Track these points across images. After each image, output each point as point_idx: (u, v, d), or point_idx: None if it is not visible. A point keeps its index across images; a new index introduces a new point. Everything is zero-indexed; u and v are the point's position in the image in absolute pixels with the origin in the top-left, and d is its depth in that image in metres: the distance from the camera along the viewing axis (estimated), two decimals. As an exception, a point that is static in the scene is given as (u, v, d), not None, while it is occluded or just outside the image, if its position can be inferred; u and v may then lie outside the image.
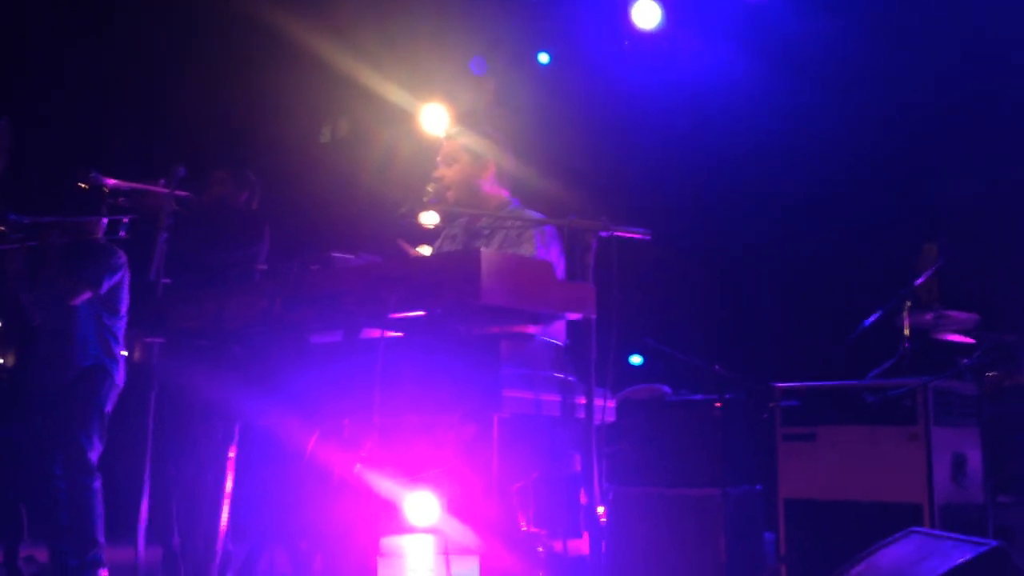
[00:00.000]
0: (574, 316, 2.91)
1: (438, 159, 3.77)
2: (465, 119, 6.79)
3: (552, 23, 6.72)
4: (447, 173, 3.72)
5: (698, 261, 6.29)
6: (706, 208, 6.37)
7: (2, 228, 4.48)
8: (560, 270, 3.42)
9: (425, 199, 3.55)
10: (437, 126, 6.86)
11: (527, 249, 3.51)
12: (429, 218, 3.79)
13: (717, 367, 4.95)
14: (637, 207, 6.16)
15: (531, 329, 3.08)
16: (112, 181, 4.15)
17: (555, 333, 3.33)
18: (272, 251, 4.54)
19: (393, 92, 6.80)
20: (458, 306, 2.67)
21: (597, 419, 3.03)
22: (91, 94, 6.53)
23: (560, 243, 3.55)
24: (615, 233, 3.01)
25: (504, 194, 3.80)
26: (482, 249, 2.62)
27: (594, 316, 2.89)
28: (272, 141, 6.84)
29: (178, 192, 3.86)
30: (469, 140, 3.81)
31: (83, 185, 4.05)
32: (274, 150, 6.80)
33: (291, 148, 6.99)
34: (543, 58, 6.77)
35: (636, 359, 6.87)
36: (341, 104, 7.14)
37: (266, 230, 4.66)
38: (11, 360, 6.50)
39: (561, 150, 6.57)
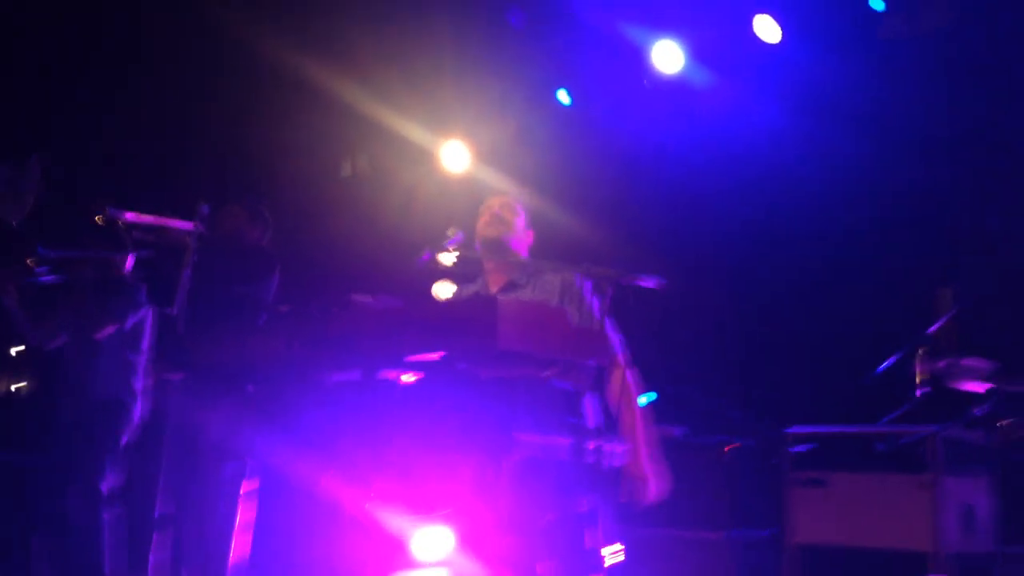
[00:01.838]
0: (587, 362, 2.99)
1: (494, 203, 3.77)
2: (487, 156, 6.88)
3: (573, 62, 6.82)
4: (499, 234, 3.70)
5: (712, 304, 6.31)
6: (720, 250, 6.41)
7: (30, 261, 4.57)
8: (608, 321, 3.47)
9: (445, 242, 3.63)
10: (458, 164, 6.95)
11: (576, 297, 3.57)
12: (447, 258, 3.87)
13: (728, 410, 4.99)
14: (653, 248, 6.25)
15: (545, 374, 3.16)
16: (131, 216, 4.18)
17: (569, 378, 3.39)
18: (292, 290, 4.60)
19: (413, 130, 6.89)
20: (475, 350, 2.76)
21: (608, 463, 3.10)
22: (113, 130, 6.65)
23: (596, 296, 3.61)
24: (631, 280, 3.08)
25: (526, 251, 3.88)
26: (499, 296, 2.71)
27: (608, 363, 2.97)
28: (292, 178, 6.94)
29: (189, 227, 3.94)
30: (520, 201, 3.82)
31: (99, 219, 4.10)
32: (294, 187, 6.89)
33: (311, 184, 7.07)
34: (564, 98, 6.86)
35: (643, 400, 6.87)
36: (361, 141, 7.23)
37: (276, 267, 4.70)
38: (28, 386, 6.60)
39: (580, 191, 6.64)
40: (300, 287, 4.66)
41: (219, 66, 6.66)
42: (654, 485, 3.43)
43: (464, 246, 3.64)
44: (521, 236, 3.80)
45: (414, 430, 3.03)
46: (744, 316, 6.31)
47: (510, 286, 3.73)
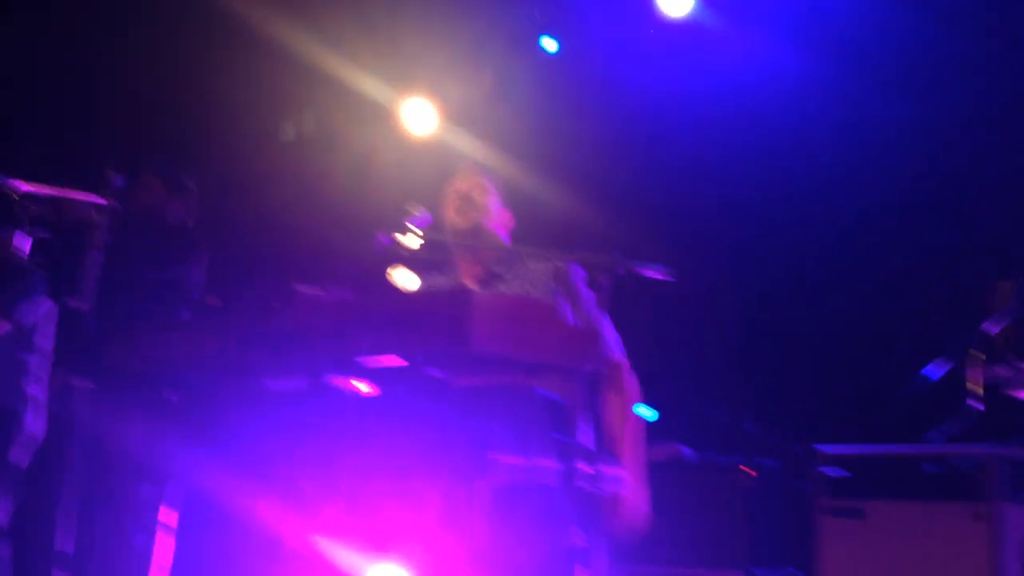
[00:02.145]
0: (578, 366, 2.99)
1: (463, 184, 3.81)
2: (458, 117, 6.86)
3: (562, 4, 6.81)
4: (471, 220, 3.76)
5: (726, 298, 6.35)
6: (736, 232, 6.43)
7: None
8: (603, 318, 3.49)
9: (407, 221, 3.61)
10: (422, 125, 6.93)
11: (572, 290, 3.60)
12: (410, 241, 3.86)
13: (747, 424, 5.01)
14: (656, 230, 6.25)
15: (529, 382, 3.15)
16: (26, 187, 4.14)
17: (557, 386, 3.39)
18: (223, 279, 4.58)
19: (369, 84, 6.86)
20: (444, 353, 2.75)
21: (605, 489, 3.10)
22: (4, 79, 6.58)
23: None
24: (631, 270, 3.09)
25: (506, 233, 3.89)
26: (474, 289, 2.69)
27: (603, 368, 2.97)
28: (223, 142, 6.90)
29: (98, 200, 3.91)
30: (495, 184, 3.86)
31: None
32: (226, 153, 6.85)
33: (246, 150, 7.03)
34: (550, 45, 6.84)
35: (646, 412, 6.88)
36: (307, 97, 7.20)
37: (203, 250, 4.67)
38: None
39: (570, 159, 6.64)
40: (233, 275, 4.62)
41: (133, 3, 6.60)
42: (644, 513, 3.45)
43: (432, 226, 3.63)
44: (498, 218, 3.80)
45: (370, 448, 3.02)
46: (764, 312, 6.33)
47: (489, 278, 3.72)
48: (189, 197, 4.82)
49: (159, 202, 4.72)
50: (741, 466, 4.78)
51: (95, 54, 6.65)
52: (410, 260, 3.81)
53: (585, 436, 3.35)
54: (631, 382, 3.61)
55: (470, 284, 3.79)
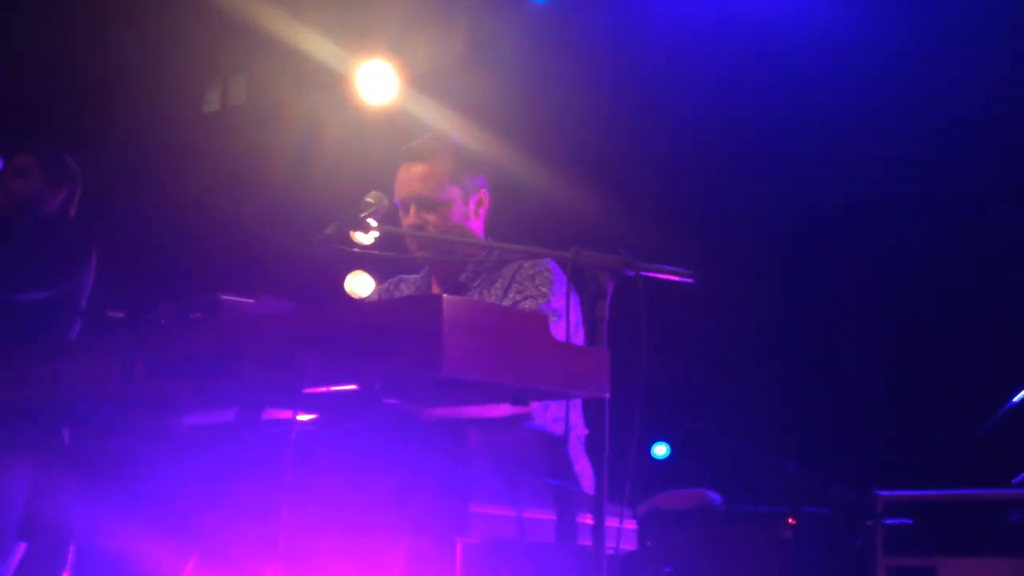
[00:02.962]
0: (578, 394, 2.98)
1: (404, 196, 3.84)
2: (424, 84, 6.86)
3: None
4: (430, 221, 3.79)
5: (763, 309, 6.37)
6: (774, 226, 6.46)
7: None
8: (579, 331, 3.49)
9: (363, 212, 3.62)
10: (380, 92, 6.92)
11: (535, 300, 3.61)
12: (366, 237, 3.87)
13: (790, 465, 5.03)
14: (675, 223, 6.26)
15: (515, 413, 3.14)
16: None
17: (550, 418, 3.39)
18: (129, 287, 4.57)
19: (315, 43, 6.86)
20: (408, 377, 2.75)
21: (611, 545, 3.10)
22: None
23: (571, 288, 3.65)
24: (642, 273, 3.09)
25: (482, 231, 3.90)
26: (444, 296, 2.69)
27: (607, 394, 2.97)
28: (127, 113, 6.89)
29: None
30: (456, 157, 3.88)
31: None
32: (131, 127, 6.84)
33: (157, 123, 7.03)
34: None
35: (661, 450, 6.91)
36: (237, 59, 7.19)
37: (92, 251, 4.65)
38: None
39: (564, 134, 6.64)
40: (141, 280, 4.61)
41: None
42: None
43: (391, 217, 3.63)
44: (470, 219, 3.80)
45: (317, 499, 3.00)
46: (811, 328, 6.35)
47: (455, 290, 3.74)
48: (71, 183, 4.81)
49: (35, 190, 4.70)
50: (783, 515, 4.78)
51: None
52: (365, 261, 3.81)
53: (586, 480, 3.36)
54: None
55: (436, 292, 3.80)
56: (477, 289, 3.77)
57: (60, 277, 4.50)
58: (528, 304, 3.61)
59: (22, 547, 4.24)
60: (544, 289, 3.65)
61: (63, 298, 4.47)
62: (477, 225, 3.89)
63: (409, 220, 3.82)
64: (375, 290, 4.12)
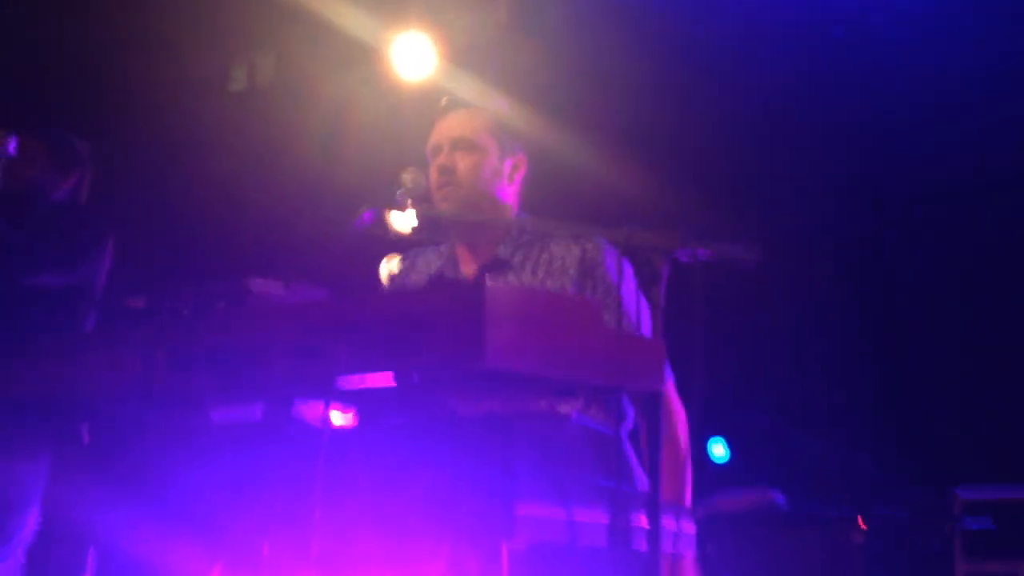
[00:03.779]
0: (632, 388, 2.96)
1: (440, 139, 3.82)
2: (464, 57, 6.85)
3: None
4: (460, 165, 3.76)
5: (831, 293, 6.34)
6: (846, 208, 6.42)
7: None
8: (646, 321, 3.47)
9: (399, 192, 3.61)
10: (417, 67, 6.93)
11: (601, 284, 3.58)
12: (402, 221, 3.86)
13: (862, 463, 4.99)
14: (737, 202, 6.23)
15: (564, 408, 3.11)
16: None
17: (602, 414, 3.37)
18: (149, 275, 4.59)
19: (347, 16, 6.86)
20: (449, 370, 2.72)
21: (668, 549, 3.08)
22: None
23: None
24: (700, 254, 3.06)
25: (517, 204, 3.87)
26: (487, 283, 2.66)
27: (663, 388, 2.95)
28: (151, 89, 6.92)
29: None
30: (496, 116, 3.86)
31: None
32: (153, 107, 6.86)
33: (180, 100, 7.06)
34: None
35: (719, 450, 6.89)
36: (264, 36, 7.21)
37: (106, 237, 4.69)
38: None
39: (617, 110, 6.62)
40: (164, 267, 4.62)
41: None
42: None
43: (429, 200, 3.62)
44: (503, 181, 3.77)
45: (352, 501, 3.00)
46: (882, 314, 6.32)
47: (493, 264, 3.70)
48: (80, 168, 4.85)
49: (47, 179, 4.74)
50: (853, 518, 4.76)
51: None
52: (399, 246, 3.80)
53: (640, 479, 3.33)
54: (678, 408, 3.58)
55: (468, 272, 3.78)
56: (520, 267, 3.72)
57: (71, 262, 4.54)
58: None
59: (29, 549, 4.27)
60: (603, 279, 3.62)
61: (77, 286, 4.50)
62: (511, 192, 3.87)
63: (439, 161, 3.79)
64: (395, 264, 4.04)
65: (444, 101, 3.93)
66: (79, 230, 4.68)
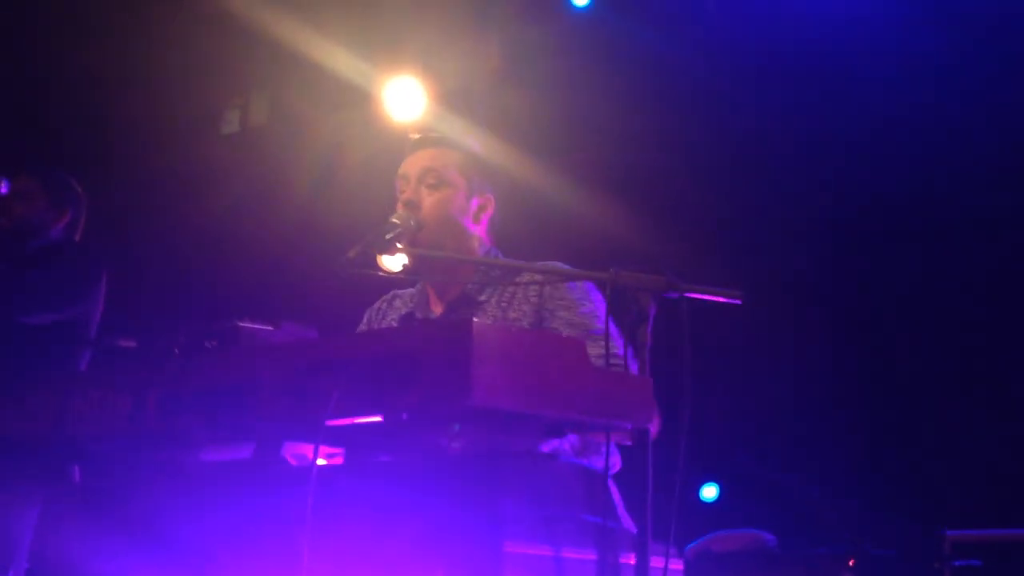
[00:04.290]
0: (620, 425, 2.97)
1: (408, 170, 3.84)
2: (455, 101, 6.86)
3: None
4: (426, 200, 3.78)
5: (817, 334, 6.34)
6: (829, 249, 6.43)
7: None
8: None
9: (389, 235, 3.62)
10: (408, 109, 6.95)
11: (560, 322, 3.58)
12: (394, 262, 3.88)
13: (850, 503, 4.99)
14: (722, 243, 6.23)
15: (552, 446, 3.11)
16: None
17: (588, 451, 3.37)
18: (140, 315, 4.59)
19: (340, 59, 6.88)
20: (437, 408, 2.73)
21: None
22: None
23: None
24: (686, 295, 3.07)
25: (488, 241, 3.87)
26: (474, 320, 2.68)
27: (652, 426, 2.95)
28: (146, 130, 6.92)
29: None
30: (467, 154, 3.88)
31: None
32: (144, 147, 6.87)
33: (173, 142, 7.06)
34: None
35: (710, 491, 6.92)
36: (257, 76, 7.22)
37: (100, 275, 4.69)
38: None
39: (606, 152, 6.64)
40: (155, 307, 4.61)
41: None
42: None
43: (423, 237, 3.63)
44: (468, 219, 3.78)
45: (341, 540, 3.00)
46: (868, 354, 6.32)
47: (461, 302, 3.71)
48: (75, 205, 4.86)
49: (41, 216, 4.75)
50: (843, 557, 4.75)
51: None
52: (392, 286, 3.81)
53: (625, 517, 3.33)
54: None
55: (436, 311, 3.78)
56: (486, 303, 3.73)
57: (65, 299, 4.53)
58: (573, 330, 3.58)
59: None
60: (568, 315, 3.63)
61: (70, 323, 4.50)
62: (477, 230, 3.86)
63: (405, 195, 3.79)
64: (369, 311, 4.05)
65: (416, 136, 3.94)
66: (74, 267, 4.68)
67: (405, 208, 3.75)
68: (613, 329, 3.24)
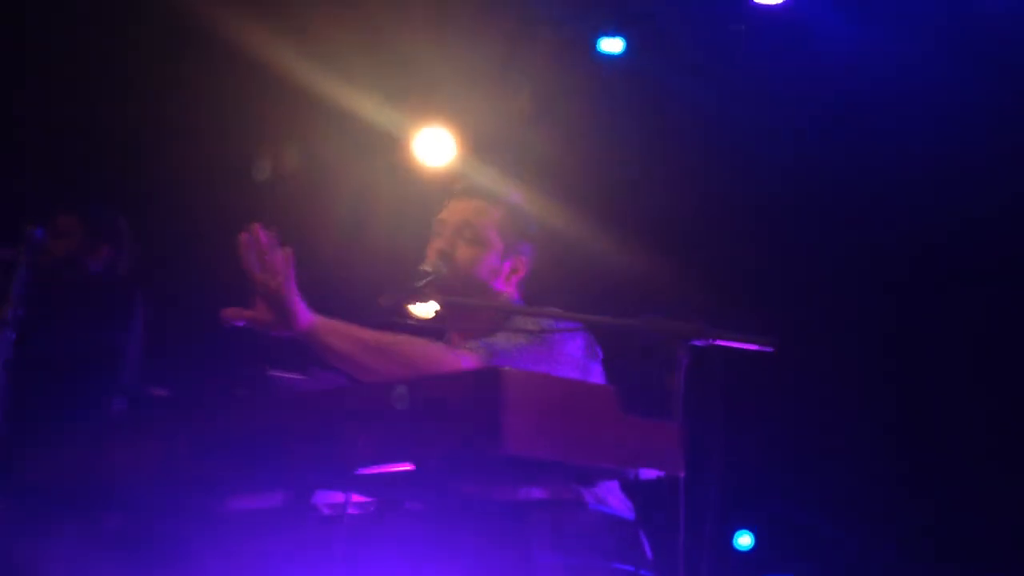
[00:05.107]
0: (650, 474, 2.95)
1: (448, 217, 3.83)
2: (485, 148, 6.87)
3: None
4: (460, 253, 3.76)
5: (856, 382, 6.30)
6: (864, 295, 6.40)
7: None
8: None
9: (421, 283, 3.62)
10: (438, 156, 6.97)
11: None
12: (424, 309, 3.88)
13: (886, 550, 4.96)
14: (755, 289, 6.21)
15: (581, 494, 3.10)
16: None
17: (619, 500, 3.35)
18: (172, 363, 4.59)
19: (370, 107, 6.90)
20: (467, 456, 2.73)
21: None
22: None
23: (599, 360, 3.61)
24: (715, 341, 3.06)
25: (517, 297, 3.85)
26: (505, 368, 2.67)
27: (682, 473, 2.93)
28: (181, 178, 6.94)
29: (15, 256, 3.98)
30: (508, 213, 3.86)
31: None
32: (177, 195, 6.89)
33: (207, 189, 7.08)
34: (612, 46, 6.87)
35: (745, 540, 6.88)
36: (289, 125, 7.25)
37: (138, 309, 4.71)
38: None
39: (636, 198, 6.63)
40: (187, 354, 4.61)
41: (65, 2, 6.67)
42: None
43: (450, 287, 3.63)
44: (499, 279, 3.77)
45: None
46: (907, 400, 6.28)
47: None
48: (118, 241, 4.88)
49: (80, 249, 4.77)
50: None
51: (12, 58, 6.69)
52: (420, 333, 3.81)
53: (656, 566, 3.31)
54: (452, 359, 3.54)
55: None
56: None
57: (96, 331, 4.54)
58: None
59: None
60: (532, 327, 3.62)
61: (103, 356, 4.49)
62: (507, 288, 3.81)
63: (439, 244, 3.77)
64: None
65: (460, 185, 3.93)
66: (107, 298, 4.69)
67: (437, 256, 3.74)
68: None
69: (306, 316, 3.44)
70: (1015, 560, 5.41)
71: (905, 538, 5.81)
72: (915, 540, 5.81)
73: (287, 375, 3.12)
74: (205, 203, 6.97)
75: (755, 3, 6.43)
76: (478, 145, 6.92)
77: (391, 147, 7.02)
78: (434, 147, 6.96)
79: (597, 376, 3.62)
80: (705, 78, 6.63)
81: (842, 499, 6.11)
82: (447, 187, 3.98)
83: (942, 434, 6.19)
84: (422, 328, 3.61)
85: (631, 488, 3.37)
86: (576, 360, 3.59)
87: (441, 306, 3.71)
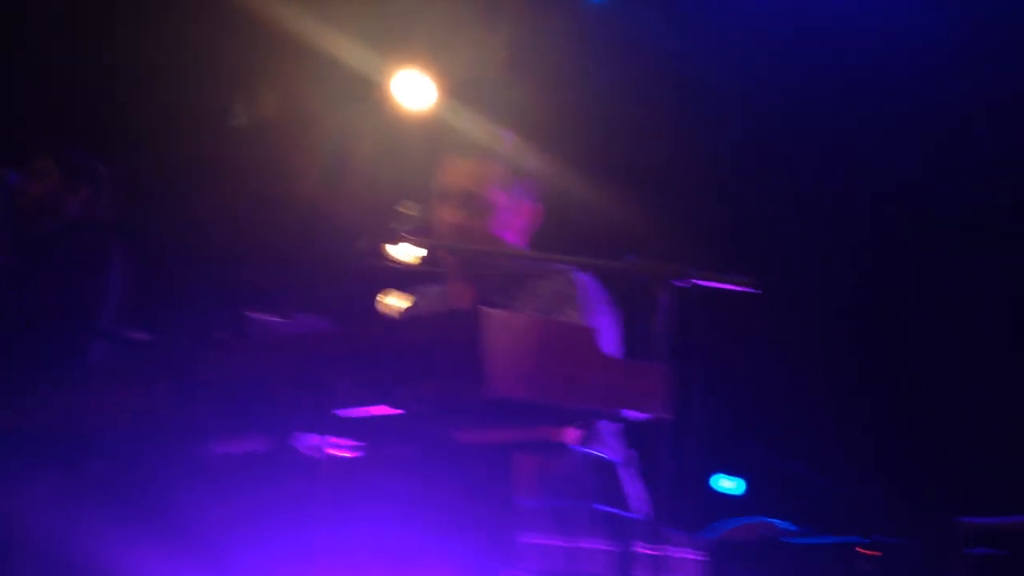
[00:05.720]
0: (633, 415, 2.95)
1: (448, 188, 3.81)
2: (464, 92, 6.86)
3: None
4: (475, 225, 3.77)
5: (836, 320, 6.33)
6: (848, 238, 6.42)
7: None
8: (612, 344, 3.47)
9: (397, 225, 3.61)
10: (418, 100, 6.94)
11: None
12: (405, 251, 3.86)
13: (865, 491, 4.98)
14: (738, 231, 6.23)
15: (565, 436, 3.10)
16: None
17: (604, 442, 3.36)
18: (151, 306, 4.58)
19: (349, 50, 6.87)
20: (448, 399, 2.72)
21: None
22: None
23: (609, 303, 3.61)
24: (697, 282, 3.06)
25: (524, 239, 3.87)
26: (486, 309, 2.66)
27: (667, 415, 2.93)
28: (153, 124, 6.92)
29: None
30: (503, 164, 3.85)
31: None
32: (156, 140, 6.87)
33: (183, 135, 7.06)
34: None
35: (727, 483, 6.92)
36: (266, 69, 7.22)
37: (115, 254, 4.70)
38: None
39: (616, 142, 6.63)
40: (166, 298, 4.61)
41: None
42: None
43: (429, 230, 3.62)
44: (509, 218, 3.77)
45: (354, 531, 2.99)
46: (889, 339, 6.31)
47: (482, 301, 3.70)
48: (95, 184, 4.86)
49: (58, 191, 4.75)
50: (858, 547, 4.73)
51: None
52: (399, 278, 3.79)
53: (639, 507, 3.32)
54: None
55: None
56: (507, 302, 3.72)
57: (71, 277, 4.53)
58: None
59: None
60: (572, 312, 3.62)
61: (78, 304, 4.49)
62: (518, 238, 3.86)
63: (452, 219, 3.78)
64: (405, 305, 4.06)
65: (456, 141, 3.93)
66: (89, 244, 4.68)
67: (453, 232, 3.73)
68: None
69: None
70: (1006, 503, 5.42)
71: (884, 479, 5.85)
72: (895, 481, 5.84)
73: (267, 317, 3.10)
74: (182, 148, 6.96)
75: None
76: (458, 90, 6.89)
77: (369, 90, 6.99)
78: (414, 91, 6.94)
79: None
80: (686, 21, 6.61)
81: (822, 441, 6.15)
82: (435, 140, 3.97)
83: (924, 375, 6.23)
84: (406, 271, 3.60)
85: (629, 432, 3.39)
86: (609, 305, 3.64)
87: (425, 249, 3.69)
